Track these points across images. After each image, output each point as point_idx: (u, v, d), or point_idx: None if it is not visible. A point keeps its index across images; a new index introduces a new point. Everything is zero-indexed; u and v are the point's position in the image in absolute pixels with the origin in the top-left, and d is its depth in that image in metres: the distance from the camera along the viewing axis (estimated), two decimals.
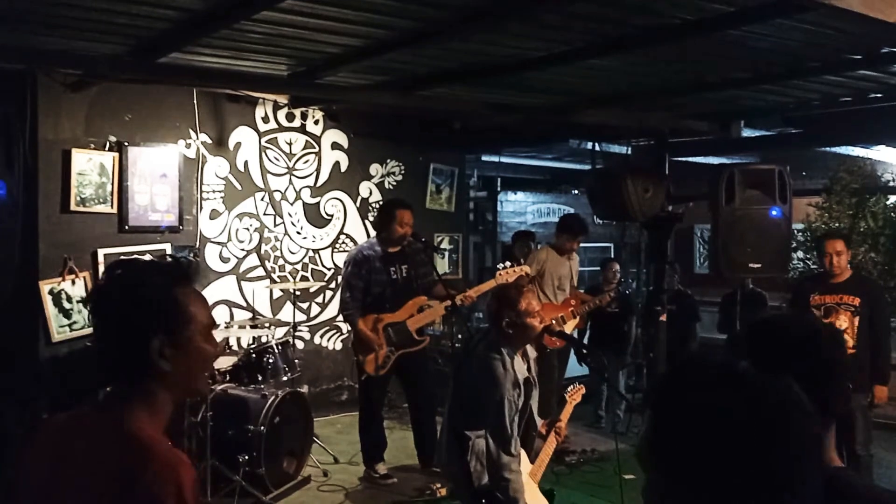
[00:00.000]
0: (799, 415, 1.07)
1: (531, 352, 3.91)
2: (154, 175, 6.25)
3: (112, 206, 6.05)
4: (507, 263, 5.62)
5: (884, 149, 7.94)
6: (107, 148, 6.00)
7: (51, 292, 5.77)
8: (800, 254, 7.76)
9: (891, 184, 8.17)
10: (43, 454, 1.58)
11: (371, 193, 7.68)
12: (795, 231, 7.14)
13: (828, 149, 7.69)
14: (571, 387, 4.22)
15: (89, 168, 5.92)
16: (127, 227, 6.12)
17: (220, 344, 1.60)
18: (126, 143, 6.06)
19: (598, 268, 8.42)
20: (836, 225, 7.49)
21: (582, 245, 6.82)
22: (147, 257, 1.65)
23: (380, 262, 5.49)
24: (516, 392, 3.61)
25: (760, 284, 7.32)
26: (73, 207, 5.84)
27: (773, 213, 5.67)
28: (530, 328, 3.67)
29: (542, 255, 6.50)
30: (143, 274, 1.55)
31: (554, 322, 5.80)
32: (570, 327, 6.25)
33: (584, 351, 6.52)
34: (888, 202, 7.67)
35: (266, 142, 6.98)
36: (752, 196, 5.72)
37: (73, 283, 5.90)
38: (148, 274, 1.55)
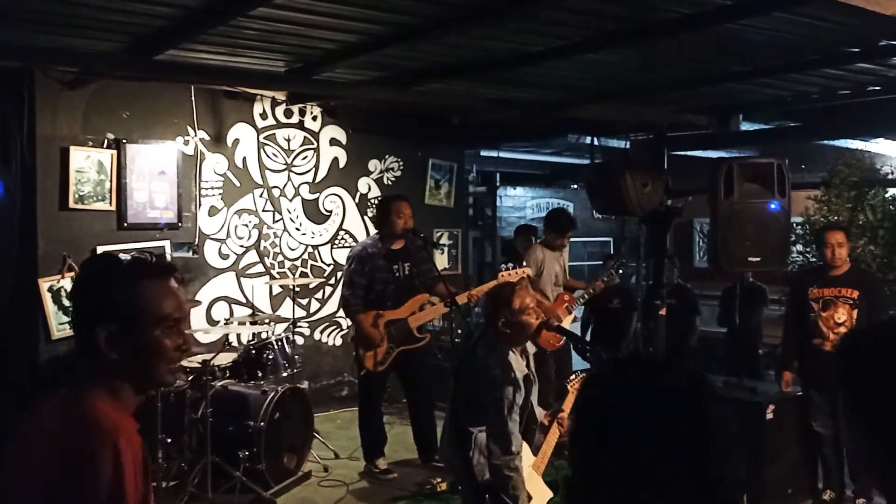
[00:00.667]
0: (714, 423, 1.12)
1: (530, 347, 3.91)
2: (152, 172, 6.24)
3: (111, 203, 6.05)
4: (510, 265, 5.63)
5: (882, 141, 7.93)
6: (105, 145, 6.00)
7: (50, 290, 5.77)
8: (799, 247, 7.75)
9: (889, 177, 8.17)
10: (18, 434, 1.66)
11: (370, 189, 7.68)
12: (794, 224, 7.14)
13: (826, 142, 7.68)
14: (573, 376, 4.23)
15: (87, 165, 5.91)
16: (126, 225, 6.12)
17: (188, 340, 1.66)
18: (124, 141, 6.06)
19: (599, 262, 8.43)
20: (835, 218, 7.48)
21: (582, 239, 6.84)
22: (128, 255, 1.71)
23: (383, 259, 5.50)
24: (516, 390, 3.62)
25: (759, 278, 7.32)
26: (71, 205, 5.84)
27: (772, 206, 5.66)
28: (526, 325, 3.68)
29: (538, 255, 6.49)
30: (104, 266, 1.63)
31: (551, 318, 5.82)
32: (567, 323, 6.26)
33: (582, 346, 6.51)
34: (887, 195, 7.66)
35: (264, 138, 6.98)
36: (750, 190, 5.70)
37: (73, 280, 5.90)
38: (109, 266, 1.63)
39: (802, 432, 5.14)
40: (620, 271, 7.32)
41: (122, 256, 1.68)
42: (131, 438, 1.54)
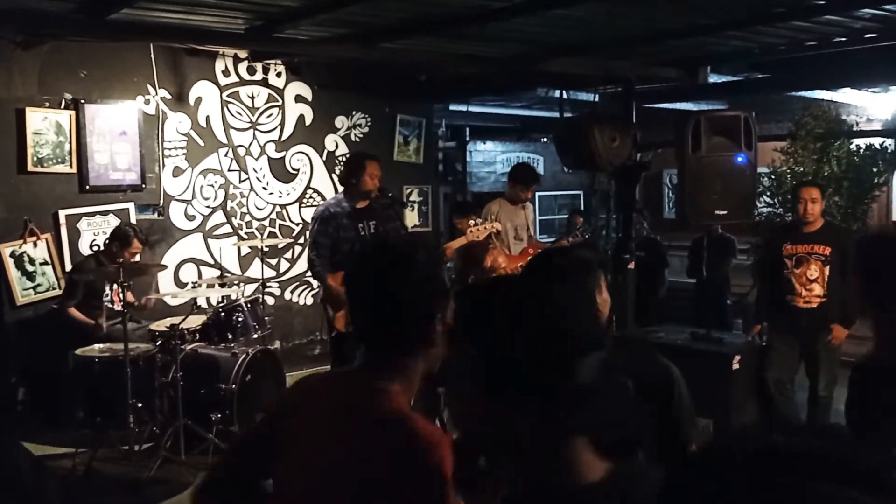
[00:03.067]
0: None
1: None
2: (113, 133, 6.11)
3: (71, 165, 5.92)
4: (478, 220, 5.60)
5: (848, 91, 7.98)
6: (62, 106, 5.85)
7: (12, 255, 5.67)
8: (765, 198, 7.83)
9: (854, 128, 8.23)
10: (296, 411, 1.65)
11: (337, 147, 7.59)
12: (761, 175, 7.19)
13: (793, 93, 7.71)
14: None
15: (45, 127, 5.77)
16: (88, 187, 6.01)
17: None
18: (82, 101, 5.91)
19: (566, 216, 8.45)
20: (801, 170, 7.55)
21: (552, 193, 6.83)
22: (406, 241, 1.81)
23: (347, 218, 5.43)
24: None
25: (727, 229, 7.40)
26: (30, 168, 5.71)
27: (739, 159, 5.68)
28: None
29: (493, 207, 6.47)
30: (432, 258, 1.70)
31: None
32: None
33: None
34: (851, 147, 7.73)
35: (227, 96, 6.84)
36: (717, 143, 5.72)
37: (35, 245, 5.81)
38: (433, 257, 1.72)
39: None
40: (587, 229, 7.37)
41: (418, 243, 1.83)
42: (449, 446, 1.49)
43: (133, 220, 6.20)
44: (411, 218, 8.09)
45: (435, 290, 1.61)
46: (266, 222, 7.18)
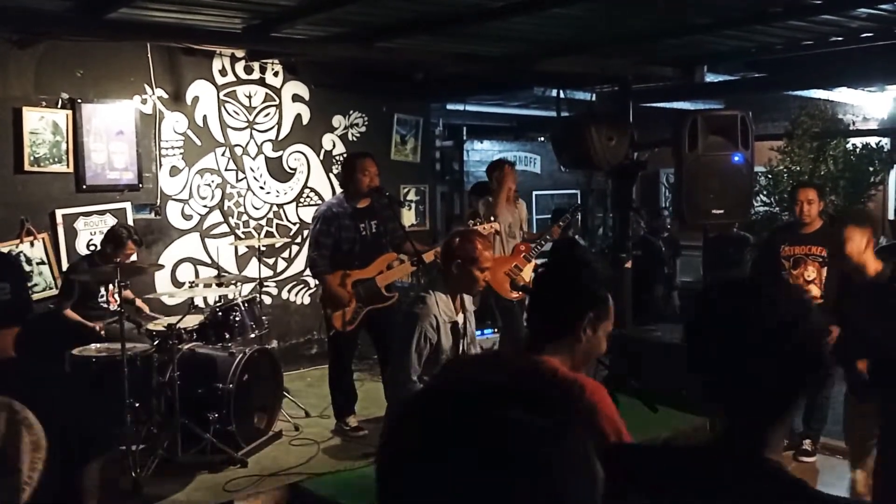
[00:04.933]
0: None
1: (469, 304, 3.94)
2: (110, 132, 6.10)
3: (68, 165, 5.92)
4: (479, 220, 5.62)
5: (844, 90, 8.00)
6: (59, 105, 5.84)
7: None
8: (762, 197, 7.84)
9: (851, 127, 8.25)
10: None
11: (334, 146, 7.58)
12: (758, 174, 7.20)
13: (790, 92, 7.73)
14: None
15: (42, 126, 5.76)
16: (85, 187, 6.00)
17: None
18: (79, 100, 5.90)
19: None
20: (797, 169, 7.57)
21: (549, 192, 6.83)
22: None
23: (348, 218, 5.44)
24: (436, 332, 3.64)
25: (722, 228, 7.39)
26: (27, 168, 5.71)
27: (736, 159, 5.70)
28: (474, 281, 3.69)
29: (482, 210, 6.50)
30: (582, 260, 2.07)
31: (514, 276, 5.86)
32: (527, 273, 6.30)
33: None
34: (848, 146, 7.75)
35: (225, 95, 6.83)
36: (714, 142, 5.73)
37: (32, 244, 5.80)
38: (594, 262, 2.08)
39: None
40: (576, 217, 7.43)
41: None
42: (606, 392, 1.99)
43: (130, 220, 6.19)
44: (408, 217, 8.09)
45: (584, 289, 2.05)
46: (263, 222, 7.18)
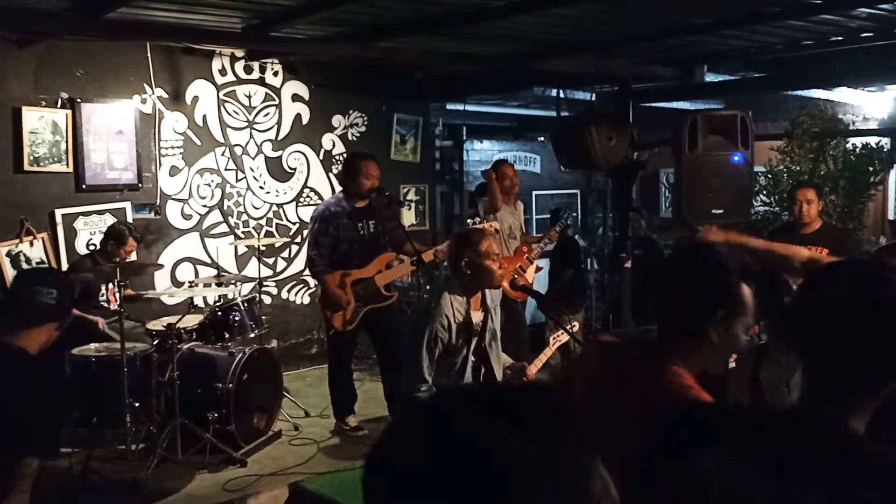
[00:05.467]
0: None
1: (496, 297, 3.89)
2: (110, 132, 6.10)
3: (67, 164, 5.92)
4: (477, 220, 5.63)
5: (844, 90, 8.00)
6: (59, 105, 5.84)
7: (8, 255, 5.66)
8: (762, 197, 7.84)
9: (850, 127, 8.24)
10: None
11: (334, 146, 7.58)
12: (757, 174, 7.20)
13: (790, 92, 7.72)
14: (558, 332, 4.12)
15: (41, 126, 5.76)
16: (84, 186, 6.00)
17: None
18: (79, 100, 5.90)
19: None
20: (797, 168, 7.56)
21: (549, 191, 6.84)
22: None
23: (347, 218, 5.44)
24: (447, 331, 3.61)
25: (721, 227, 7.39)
26: (26, 167, 5.71)
27: (735, 159, 5.68)
28: (488, 272, 3.63)
29: (481, 209, 6.52)
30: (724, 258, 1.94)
31: (516, 276, 5.86)
32: (530, 274, 6.31)
33: (545, 303, 6.58)
34: (847, 146, 7.75)
35: (224, 95, 6.83)
36: (714, 142, 5.71)
37: (32, 244, 5.80)
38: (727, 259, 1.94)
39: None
40: (570, 221, 7.46)
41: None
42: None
43: (130, 220, 6.19)
44: (408, 217, 8.09)
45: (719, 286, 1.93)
46: (263, 221, 7.18)
